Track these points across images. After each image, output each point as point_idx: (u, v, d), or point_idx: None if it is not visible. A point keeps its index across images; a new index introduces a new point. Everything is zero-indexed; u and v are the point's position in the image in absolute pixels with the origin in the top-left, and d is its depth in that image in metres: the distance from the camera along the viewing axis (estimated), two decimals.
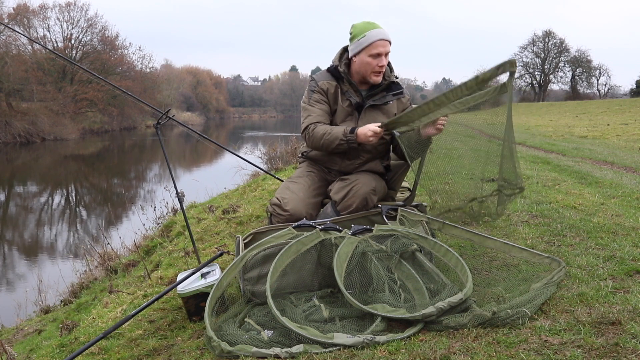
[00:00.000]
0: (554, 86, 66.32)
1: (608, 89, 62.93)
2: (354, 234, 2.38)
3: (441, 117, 2.49)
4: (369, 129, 2.62)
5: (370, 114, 2.81)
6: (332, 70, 2.88)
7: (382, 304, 2.05)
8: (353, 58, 2.83)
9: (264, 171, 5.56)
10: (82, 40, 40.70)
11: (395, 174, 3.09)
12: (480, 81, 2.29)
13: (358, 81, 2.86)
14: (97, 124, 38.31)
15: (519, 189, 2.47)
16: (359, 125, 2.76)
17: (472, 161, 2.57)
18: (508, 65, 2.25)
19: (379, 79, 2.80)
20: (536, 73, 64.10)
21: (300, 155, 3.13)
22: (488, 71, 2.28)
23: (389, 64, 2.90)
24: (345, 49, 2.89)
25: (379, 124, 2.62)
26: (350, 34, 2.82)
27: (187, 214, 4.75)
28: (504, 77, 2.33)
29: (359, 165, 2.88)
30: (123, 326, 2.51)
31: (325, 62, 3.16)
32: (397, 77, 2.92)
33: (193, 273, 2.49)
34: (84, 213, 13.29)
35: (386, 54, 2.76)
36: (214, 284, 2.27)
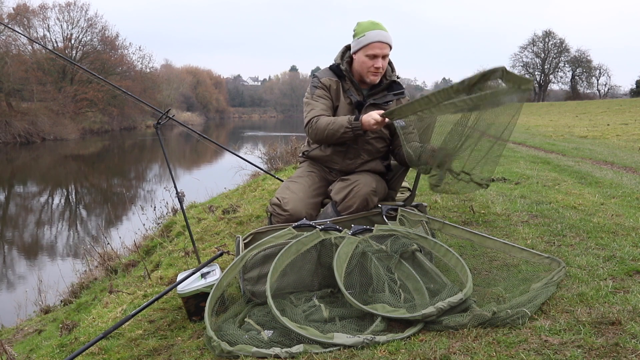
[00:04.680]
0: (554, 86, 66.41)
1: (608, 89, 63.00)
2: (354, 234, 2.38)
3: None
4: (372, 118, 2.60)
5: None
6: (335, 68, 2.90)
7: (382, 304, 2.05)
8: (353, 55, 2.85)
9: (264, 171, 5.56)
10: (82, 40, 40.74)
11: (395, 174, 3.09)
12: (466, 86, 2.25)
13: (359, 79, 2.87)
14: (97, 124, 38.30)
15: (485, 184, 2.50)
16: None
17: (471, 160, 2.56)
18: (497, 73, 2.19)
19: (376, 79, 2.80)
20: (536, 73, 64.10)
21: (301, 154, 3.13)
22: (474, 77, 2.24)
23: (390, 64, 2.91)
24: (347, 47, 2.91)
25: (382, 112, 2.61)
26: (354, 31, 2.84)
27: (187, 214, 4.76)
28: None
29: (360, 164, 2.89)
30: (123, 326, 2.51)
31: (325, 62, 3.18)
32: (398, 77, 2.92)
33: (193, 273, 2.49)
34: (84, 213, 13.28)
35: (384, 57, 2.76)
36: (214, 284, 2.26)
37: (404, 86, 2.96)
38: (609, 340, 1.72)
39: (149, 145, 30.40)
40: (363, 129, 2.66)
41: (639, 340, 1.70)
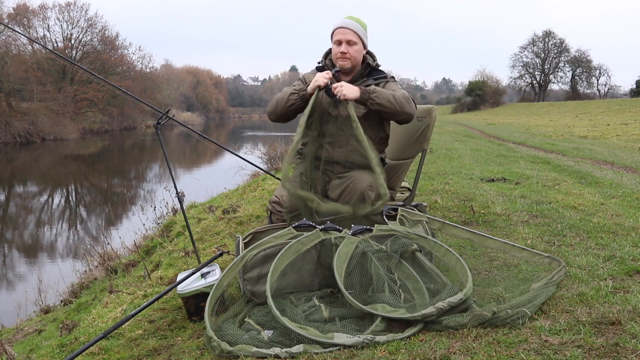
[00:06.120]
0: (554, 86, 66.28)
1: (608, 89, 62.88)
2: (354, 234, 2.38)
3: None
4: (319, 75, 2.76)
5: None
6: (319, 67, 2.99)
7: (382, 304, 2.05)
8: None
9: (264, 171, 5.55)
10: (82, 40, 40.70)
11: (394, 174, 3.09)
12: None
13: (340, 74, 2.91)
14: (97, 124, 38.28)
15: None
16: (341, 112, 2.80)
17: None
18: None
19: (345, 63, 2.86)
20: (536, 73, 64.08)
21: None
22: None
23: (371, 55, 2.95)
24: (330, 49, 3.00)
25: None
26: None
27: (187, 214, 4.75)
28: None
29: (351, 151, 2.84)
30: (123, 326, 2.51)
31: None
32: (378, 65, 2.96)
33: (193, 273, 2.49)
34: (84, 213, 13.28)
35: (348, 42, 2.82)
36: (214, 284, 2.27)
37: (385, 72, 2.98)
38: (609, 340, 1.72)
39: (149, 145, 30.39)
40: (308, 90, 2.75)
41: (639, 340, 1.71)
